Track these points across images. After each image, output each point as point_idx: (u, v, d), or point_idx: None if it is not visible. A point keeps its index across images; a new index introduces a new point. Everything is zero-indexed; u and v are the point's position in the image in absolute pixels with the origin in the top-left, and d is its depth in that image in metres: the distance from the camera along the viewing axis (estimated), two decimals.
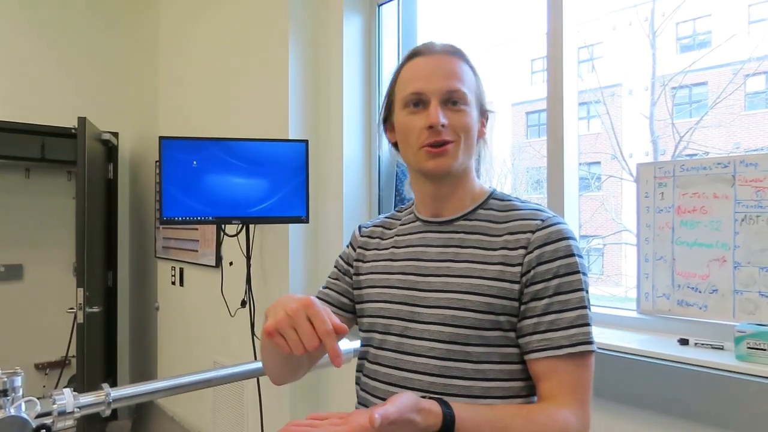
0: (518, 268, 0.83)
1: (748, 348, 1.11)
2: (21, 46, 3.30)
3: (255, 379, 2.15)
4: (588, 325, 0.81)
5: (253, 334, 2.14)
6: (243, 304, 2.23)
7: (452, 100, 0.86)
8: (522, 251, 0.84)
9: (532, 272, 0.82)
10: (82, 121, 2.86)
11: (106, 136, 3.32)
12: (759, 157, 1.18)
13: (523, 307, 0.83)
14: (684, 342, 1.24)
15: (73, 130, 2.92)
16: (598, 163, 3.30)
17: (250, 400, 2.29)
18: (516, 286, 0.83)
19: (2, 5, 3.24)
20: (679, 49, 3.00)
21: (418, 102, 0.87)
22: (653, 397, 1.20)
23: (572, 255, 0.83)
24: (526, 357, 0.83)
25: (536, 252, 0.83)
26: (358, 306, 1.01)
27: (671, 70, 2.77)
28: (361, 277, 1.00)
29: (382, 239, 1.01)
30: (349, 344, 1.32)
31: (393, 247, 0.98)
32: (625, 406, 1.25)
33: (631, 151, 3.13)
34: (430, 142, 0.86)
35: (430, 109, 0.85)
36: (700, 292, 1.26)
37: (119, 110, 3.64)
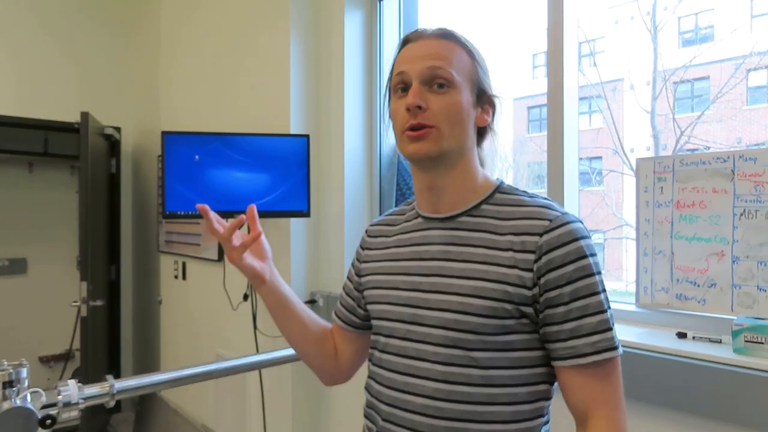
0: (529, 274, 0.78)
1: (746, 341, 1.11)
2: (24, 41, 3.30)
3: (257, 371, 2.17)
4: (610, 329, 0.78)
5: (255, 327, 2.16)
6: (245, 297, 2.25)
7: (437, 82, 0.81)
8: (531, 256, 0.78)
9: (544, 279, 0.78)
10: (84, 115, 2.87)
11: (109, 131, 3.33)
12: (758, 152, 1.18)
13: (541, 315, 0.79)
14: (682, 335, 1.24)
15: (75, 125, 2.93)
16: (600, 158, 3.30)
17: (252, 392, 2.31)
18: (524, 291, 0.79)
19: (6, 1, 3.24)
20: (681, 43, 2.99)
21: (404, 86, 0.84)
22: (651, 390, 1.21)
23: (585, 256, 0.78)
24: (553, 363, 0.81)
25: (545, 258, 0.78)
26: (368, 306, 0.97)
27: (673, 64, 2.76)
28: (367, 278, 0.97)
29: (387, 237, 0.97)
30: None
31: (395, 246, 0.94)
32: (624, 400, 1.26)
33: (632, 146, 3.13)
34: (408, 126, 0.82)
35: (410, 90, 0.82)
36: (698, 286, 1.27)
37: (122, 105, 3.65)
